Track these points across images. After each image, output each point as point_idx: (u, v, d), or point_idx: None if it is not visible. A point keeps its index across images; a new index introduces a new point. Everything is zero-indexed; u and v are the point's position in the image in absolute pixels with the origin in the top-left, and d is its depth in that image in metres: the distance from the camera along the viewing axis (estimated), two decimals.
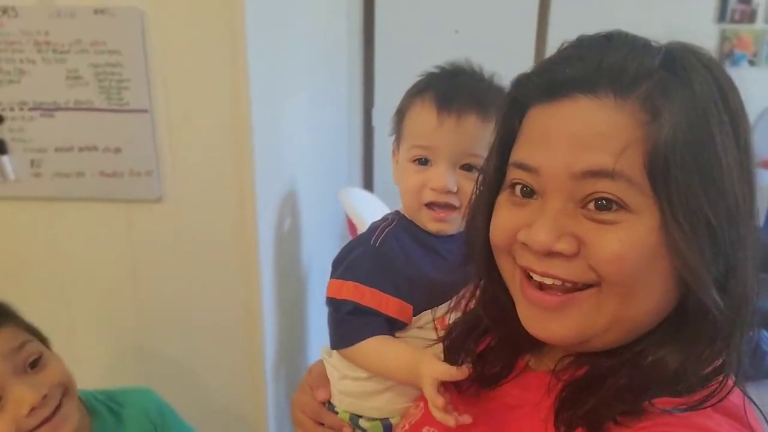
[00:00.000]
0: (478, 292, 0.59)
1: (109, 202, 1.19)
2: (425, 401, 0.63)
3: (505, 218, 0.51)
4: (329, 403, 0.71)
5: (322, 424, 0.70)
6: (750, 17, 2.92)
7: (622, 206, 0.44)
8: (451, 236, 0.70)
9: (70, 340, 1.20)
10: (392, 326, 0.67)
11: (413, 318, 0.67)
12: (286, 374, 1.50)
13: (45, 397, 0.69)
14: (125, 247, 1.23)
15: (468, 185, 0.64)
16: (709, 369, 0.46)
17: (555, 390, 0.50)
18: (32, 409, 0.67)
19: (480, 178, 0.56)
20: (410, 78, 3.47)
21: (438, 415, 0.56)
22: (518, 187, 0.50)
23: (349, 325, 0.65)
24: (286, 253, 1.54)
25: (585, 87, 0.45)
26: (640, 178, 0.44)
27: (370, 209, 1.55)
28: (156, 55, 1.09)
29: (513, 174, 0.51)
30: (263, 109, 1.21)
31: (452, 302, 0.65)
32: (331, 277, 0.69)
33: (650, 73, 0.44)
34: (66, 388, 0.73)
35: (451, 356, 0.60)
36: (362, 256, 0.67)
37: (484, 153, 0.60)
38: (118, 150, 1.15)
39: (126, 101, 1.12)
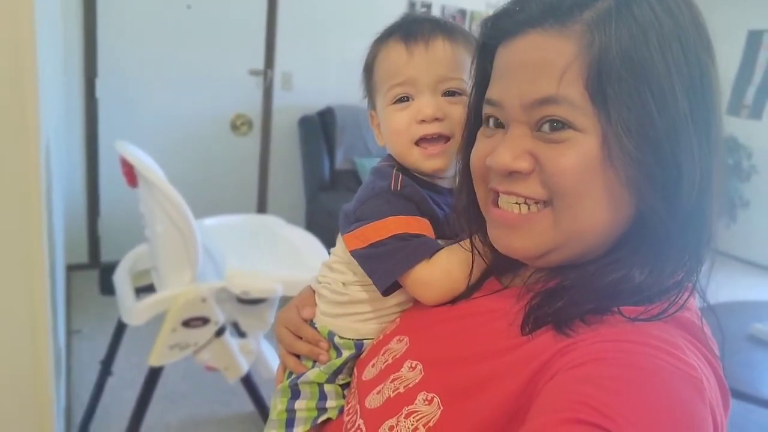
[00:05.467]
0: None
1: None
2: (401, 316, 0.67)
3: (480, 148, 0.56)
4: (311, 322, 0.73)
5: (301, 338, 0.73)
6: None
7: (570, 126, 0.48)
8: (448, 192, 0.69)
9: None
10: None
11: None
12: None
13: None
14: None
15: (454, 111, 0.64)
16: (670, 282, 0.49)
17: (525, 298, 0.53)
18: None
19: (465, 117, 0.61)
20: (137, 49, 3.41)
21: None
22: (491, 120, 0.55)
23: (411, 247, 0.62)
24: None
25: (535, 23, 0.49)
26: (581, 99, 0.47)
27: (146, 159, 1.54)
28: None
29: (485, 110, 0.55)
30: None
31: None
32: (356, 227, 0.64)
33: (591, 2, 0.48)
34: None
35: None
36: (389, 201, 0.64)
37: (463, 75, 0.64)
38: None
39: None
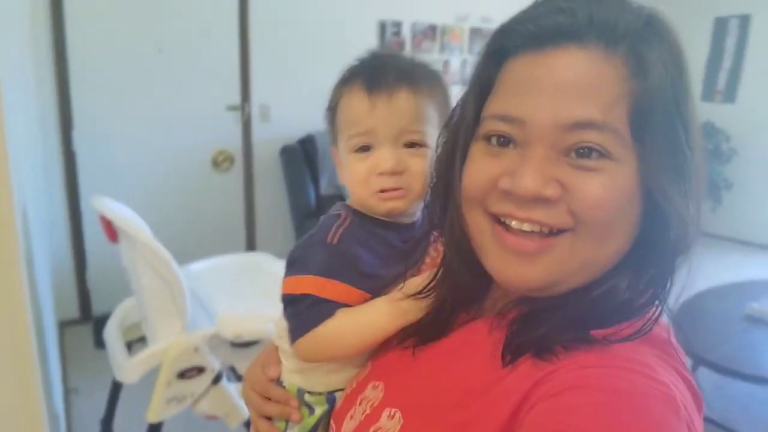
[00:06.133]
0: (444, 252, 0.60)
1: None
2: (372, 360, 0.64)
3: (482, 168, 0.51)
4: (278, 380, 0.71)
5: (270, 399, 0.70)
6: None
7: (603, 155, 0.46)
8: (407, 226, 0.68)
9: None
10: None
11: None
12: None
13: None
14: None
15: (415, 163, 0.63)
16: (642, 300, 0.49)
17: (498, 329, 0.51)
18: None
19: (451, 130, 0.56)
20: (112, 96, 3.41)
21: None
22: (494, 138, 0.50)
23: (309, 313, 0.62)
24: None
25: (575, 37, 0.46)
26: (624, 129, 0.45)
27: (126, 212, 1.52)
28: None
29: (490, 126, 0.50)
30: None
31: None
32: (285, 276, 0.65)
33: (637, 30, 0.46)
34: None
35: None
36: (319, 255, 0.63)
37: (425, 128, 0.62)
38: None
39: None
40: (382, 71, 0.64)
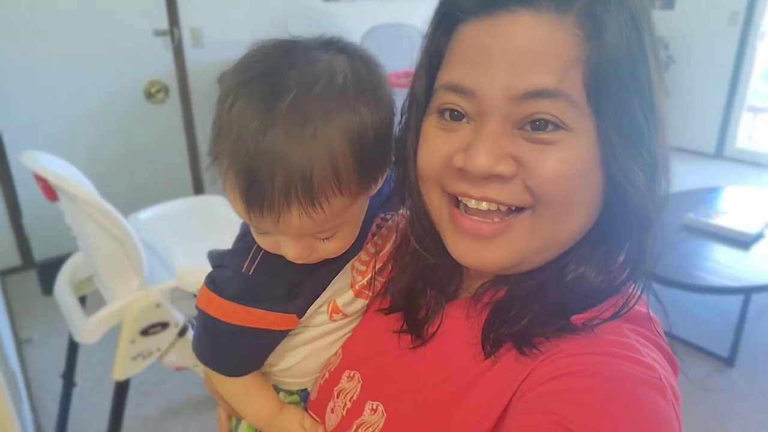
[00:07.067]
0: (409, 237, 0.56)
1: None
2: (343, 348, 0.61)
3: (436, 145, 0.48)
4: None
5: None
6: None
7: (560, 126, 0.43)
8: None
9: None
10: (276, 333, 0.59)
11: (301, 320, 0.59)
12: None
13: None
14: None
15: (325, 247, 0.54)
16: (619, 280, 0.48)
17: (475, 314, 0.50)
18: None
19: (407, 103, 0.52)
20: (24, 31, 3.10)
21: None
22: (447, 112, 0.47)
23: (217, 348, 0.60)
24: None
25: (526, 0, 0.43)
26: (579, 96, 0.43)
27: (62, 167, 1.41)
28: None
29: (443, 98, 0.47)
30: None
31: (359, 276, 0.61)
32: (205, 281, 0.59)
33: None
34: None
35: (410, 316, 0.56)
36: (232, 279, 0.57)
37: (335, 223, 0.51)
38: None
39: None
40: (262, 180, 0.46)
